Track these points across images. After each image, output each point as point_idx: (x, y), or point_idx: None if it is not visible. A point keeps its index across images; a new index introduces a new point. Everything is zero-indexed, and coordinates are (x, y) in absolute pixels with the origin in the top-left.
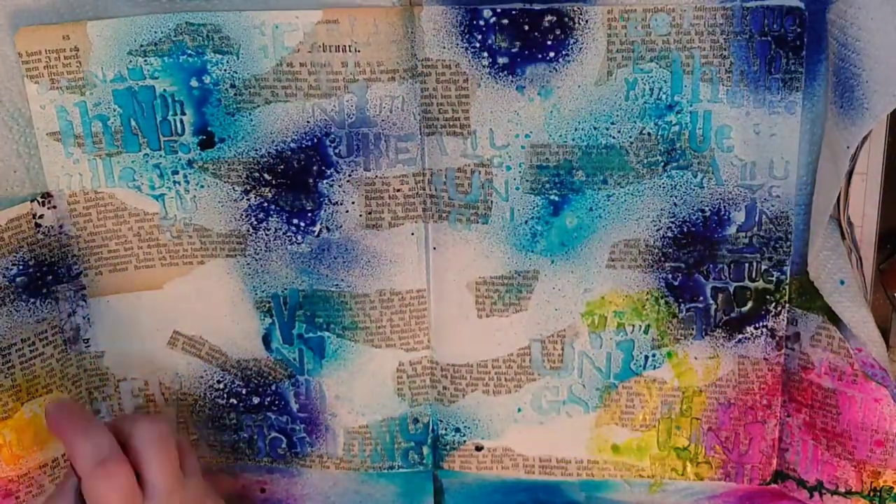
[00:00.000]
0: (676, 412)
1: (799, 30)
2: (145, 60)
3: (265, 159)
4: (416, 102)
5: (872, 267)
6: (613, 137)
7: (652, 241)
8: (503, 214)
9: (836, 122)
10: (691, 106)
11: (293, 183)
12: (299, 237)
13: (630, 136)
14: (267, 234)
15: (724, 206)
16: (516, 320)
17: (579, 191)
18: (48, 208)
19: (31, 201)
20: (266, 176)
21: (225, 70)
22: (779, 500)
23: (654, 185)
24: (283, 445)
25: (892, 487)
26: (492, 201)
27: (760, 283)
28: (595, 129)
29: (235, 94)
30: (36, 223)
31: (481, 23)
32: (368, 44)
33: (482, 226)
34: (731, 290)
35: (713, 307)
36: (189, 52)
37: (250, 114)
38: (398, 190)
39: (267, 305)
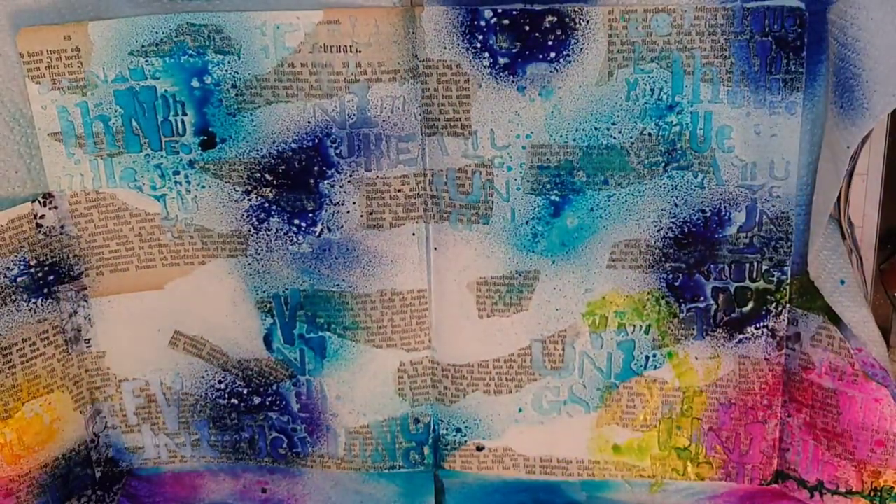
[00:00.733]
0: (677, 412)
1: (799, 30)
2: (146, 61)
3: (266, 160)
4: (417, 103)
5: (873, 267)
6: (614, 138)
7: (653, 241)
8: (504, 215)
9: (837, 123)
10: (692, 106)
11: (294, 183)
12: (300, 237)
13: (631, 137)
14: (268, 235)
15: (725, 207)
16: (517, 320)
17: (580, 191)
18: (49, 208)
19: (33, 201)
20: (267, 176)
21: (226, 70)
22: (779, 500)
23: (655, 186)
24: (285, 445)
25: (892, 487)
26: (493, 201)
27: (761, 284)
28: (596, 129)
29: (236, 95)
30: (37, 223)
31: (482, 23)
32: (369, 44)
33: (483, 226)
34: (732, 290)
35: (714, 307)
36: (190, 52)
37: (251, 114)
38: (399, 190)
39: (268, 305)
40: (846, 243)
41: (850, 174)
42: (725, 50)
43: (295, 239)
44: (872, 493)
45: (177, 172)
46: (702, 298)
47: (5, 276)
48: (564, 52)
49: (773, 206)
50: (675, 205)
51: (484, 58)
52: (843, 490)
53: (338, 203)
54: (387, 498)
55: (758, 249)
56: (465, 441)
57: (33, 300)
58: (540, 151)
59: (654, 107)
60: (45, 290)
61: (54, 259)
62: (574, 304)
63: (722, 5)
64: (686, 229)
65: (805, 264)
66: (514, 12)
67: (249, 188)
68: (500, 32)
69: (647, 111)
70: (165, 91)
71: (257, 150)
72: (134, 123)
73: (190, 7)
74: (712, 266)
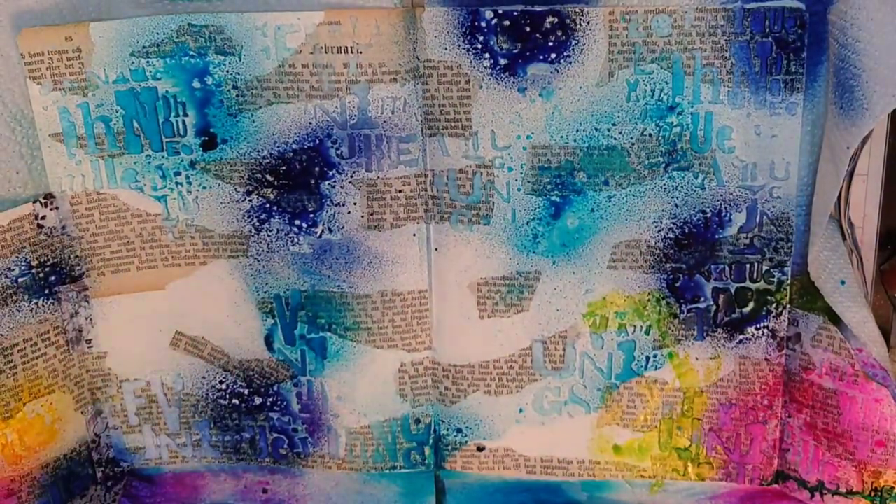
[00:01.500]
0: (678, 413)
1: (800, 31)
2: (147, 62)
3: (267, 160)
4: (417, 103)
5: (873, 267)
6: (615, 138)
7: (653, 241)
8: (505, 215)
9: (837, 123)
10: (692, 107)
11: (295, 184)
12: (301, 238)
13: (631, 138)
14: (269, 235)
15: (726, 207)
16: (518, 321)
17: (581, 192)
18: (51, 209)
19: (34, 202)
20: (268, 177)
21: (227, 71)
22: (780, 500)
23: (656, 186)
24: (285, 446)
25: (892, 487)
26: (493, 202)
27: (761, 284)
28: (596, 130)
29: (237, 96)
30: (38, 224)
31: (483, 24)
32: (370, 45)
33: (484, 227)
34: (733, 290)
35: (714, 308)
36: (191, 53)
37: (252, 115)
38: (400, 191)
39: (269, 306)
40: (846, 244)
41: (851, 175)
42: (726, 51)
43: (296, 239)
44: (873, 494)
45: (178, 173)
46: (702, 299)
47: (6, 277)
48: (565, 53)
49: (774, 206)
50: (676, 205)
51: (485, 58)
52: (843, 490)
53: (339, 204)
54: (388, 498)
55: (758, 250)
56: (466, 441)
57: (34, 301)
58: (540, 152)
59: (654, 107)
60: (47, 291)
61: (55, 259)
62: (575, 305)
63: (722, 6)
64: (686, 230)
65: (805, 265)
66: (515, 13)
67: (250, 189)
68: (500, 33)
69: (648, 112)
70: (166, 92)
71: (258, 151)
72: (135, 124)
73: (191, 8)
74: (713, 267)
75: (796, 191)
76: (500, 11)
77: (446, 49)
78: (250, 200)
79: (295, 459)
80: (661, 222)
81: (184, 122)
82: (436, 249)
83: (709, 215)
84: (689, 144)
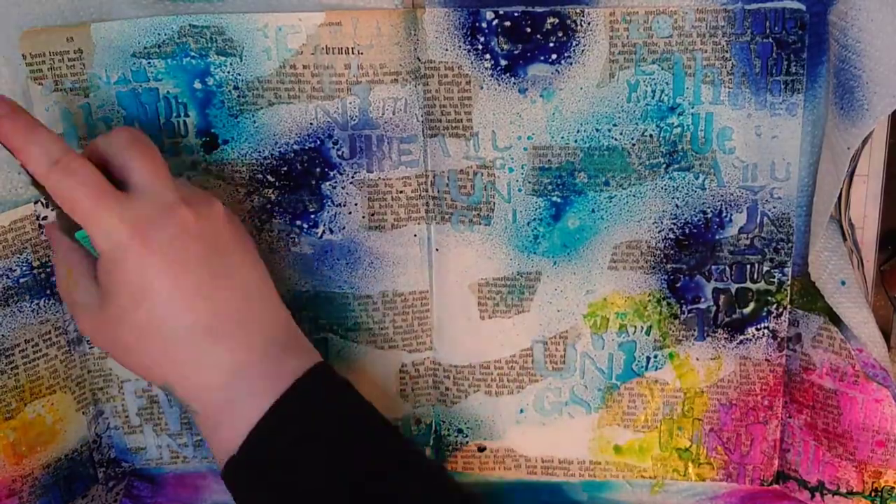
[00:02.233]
0: (678, 413)
1: (800, 32)
2: (149, 62)
3: (268, 161)
4: (418, 104)
5: (874, 268)
6: (615, 139)
7: (654, 242)
8: (505, 216)
9: (837, 124)
10: (693, 108)
11: (296, 185)
12: (302, 239)
13: (632, 138)
14: (270, 236)
15: (726, 208)
16: (518, 321)
17: (581, 192)
18: (52, 210)
19: (35, 203)
20: (269, 178)
21: (228, 72)
22: (780, 500)
23: (656, 187)
24: None
25: (893, 488)
26: (494, 203)
27: (762, 285)
28: (597, 130)
29: (239, 96)
30: (40, 225)
31: (483, 25)
32: (371, 46)
33: (484, 227)
34: (733, 291)
35: (715, 308)
36: (192, 54)
37: (253, 116)
38: (401, 192)
39: None
40: (847, 244)
41: (851, 175)
42: (726, 51)
43: (297, 240)
44: (873, 494)
45: (179, 174)
46: (703, 299)
47: (8, 278)
48: (566, 54)
49: (774, 207)
50: (676, 206)
51: (485, 59)
52: (843, 490)
53: (340, 204)
54: None
55: (759, 250)
56: (467, 442)
57: (36, 301)
58: (541, 153)
59: (655, 108)
60: (48, 292)
61: None
62: (575, 306)
63: (723, 7)
64: (687, 230)
65: (806, 265)
66: (516, 14)
67: (251, 189)
68: (501, 34)
69: (649, 113)
70: (168, 93)
71: (259, 152)
72: (136, 125)
73: (192, 9)
74: (713, 267)
75: (797, 191)
76: (501, 12)
77: (447, 50)
78: (251, 201)
79: None
80: (662, 223)
81: (185, 123)
82: (437, 250)
83: (709, 216)
84: (689, 145)
